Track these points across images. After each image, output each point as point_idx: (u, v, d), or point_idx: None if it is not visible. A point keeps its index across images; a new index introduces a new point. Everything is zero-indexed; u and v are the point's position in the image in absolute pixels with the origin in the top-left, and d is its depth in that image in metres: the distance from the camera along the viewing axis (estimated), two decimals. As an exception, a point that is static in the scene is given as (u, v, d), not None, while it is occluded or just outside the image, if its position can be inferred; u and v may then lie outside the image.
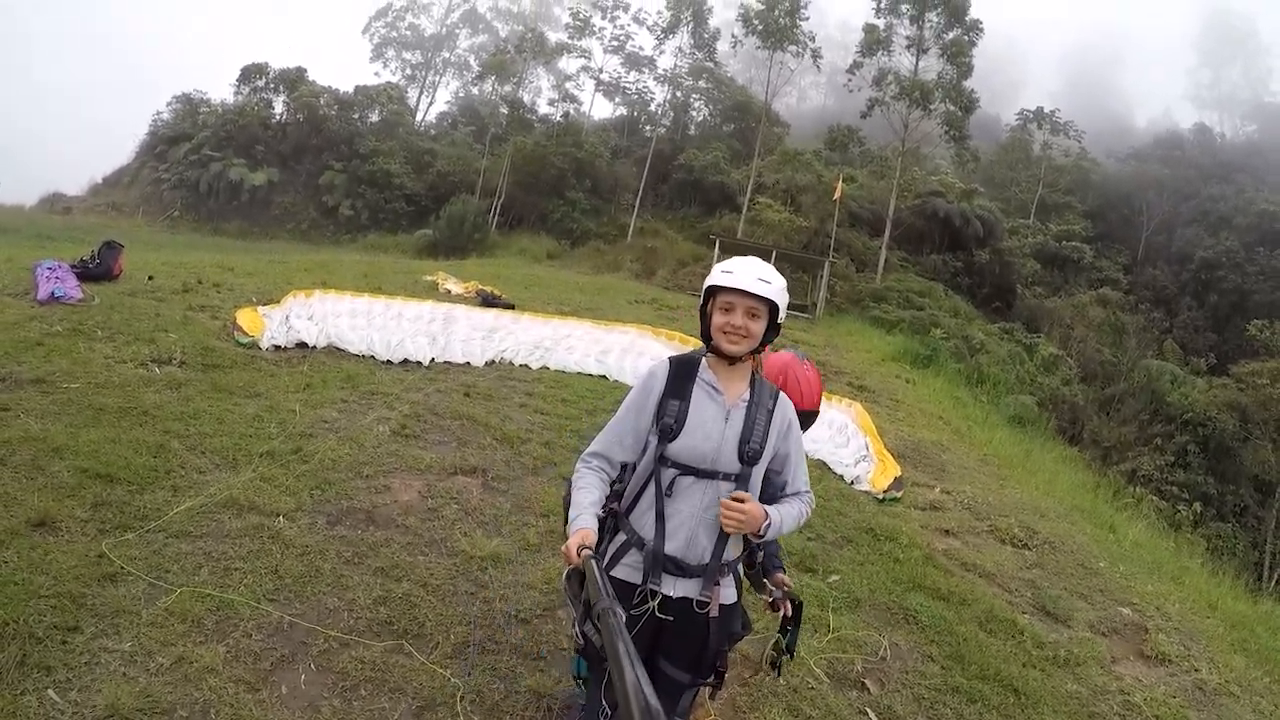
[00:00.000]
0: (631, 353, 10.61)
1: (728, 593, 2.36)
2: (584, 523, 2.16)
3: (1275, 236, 42.55)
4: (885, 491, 7.33)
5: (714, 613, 2.29)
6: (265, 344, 7.83)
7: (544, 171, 37.42)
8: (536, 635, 3.74)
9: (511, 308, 13.28)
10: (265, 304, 9.44)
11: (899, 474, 7.85)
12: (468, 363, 8.98)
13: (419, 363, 8.51)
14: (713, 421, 2.31)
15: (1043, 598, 5.51)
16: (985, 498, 7.74)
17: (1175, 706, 4.34)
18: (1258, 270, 41.09)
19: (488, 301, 13.62)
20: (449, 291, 14.77)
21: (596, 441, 2.42)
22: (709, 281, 2.34)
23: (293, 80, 43.26)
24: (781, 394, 2.45)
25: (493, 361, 9.30)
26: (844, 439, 8.89)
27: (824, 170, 35.07)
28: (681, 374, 2.37)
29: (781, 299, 2.30)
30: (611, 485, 2.38)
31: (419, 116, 52.48)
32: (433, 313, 10.89)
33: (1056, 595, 5.58)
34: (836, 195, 28.80)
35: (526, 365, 9.46)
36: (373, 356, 8.32)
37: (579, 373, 9.48)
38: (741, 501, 2.21)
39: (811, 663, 3.97)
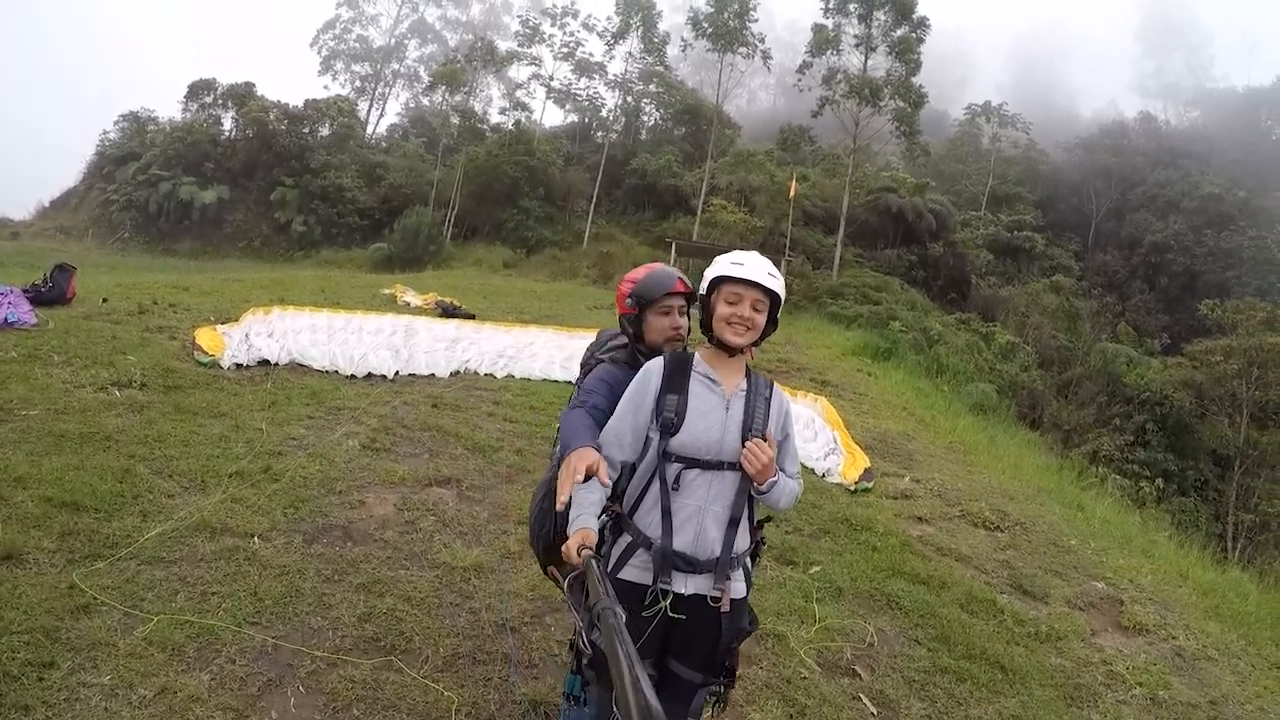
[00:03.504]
0: (596, 357, 10.59)
1: (738, 587, 2.32)
2: (584, 523, 2.12)
3: (1222, 218, 44.06)
4: (856, 483, 7.41)
5: (725, 608, 2.26)
6: (226, 363, 7.70)
7: (497, 181, 37.23)
8: (527, 643, 3.71)
9: (472, 318, 13.22)
10: (224, 323, 9.29)
11: (868, 465, 7.94)
12: (432, 374, 8.92)
13: (383, 376, 8.45)
14: (714, 411, 2.30)
15: (1019, 577, 5.62)
16: (954, 484, 7.87)
17: (1157, 673, 4.46)
18: (1206, 251, 42.50)
19: (448, 312, 13.54)
20: (408, 304, 14.67)
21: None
22: (716, 272, 2.33)
23: (241, 96, 42.35)
24: (775, 384, 2.46)
25: (457, 372, 9.27)
26: (812, 433, 8.96)
27: (777, 170, 35.39)
28: (677, 368, 2.36)
29: (783, 293, 2.33)
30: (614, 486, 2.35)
31: (370, 129, 51.83)
32: (393, 325, 10.81)
33: (1032, 574, 5.70)
34: (791, 194, 29.05)
35: (491, 375, 9.42)
36: (336, 371, 8.25)
37: (544, 380, 9.45)
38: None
39: (802, 653, 3.99)
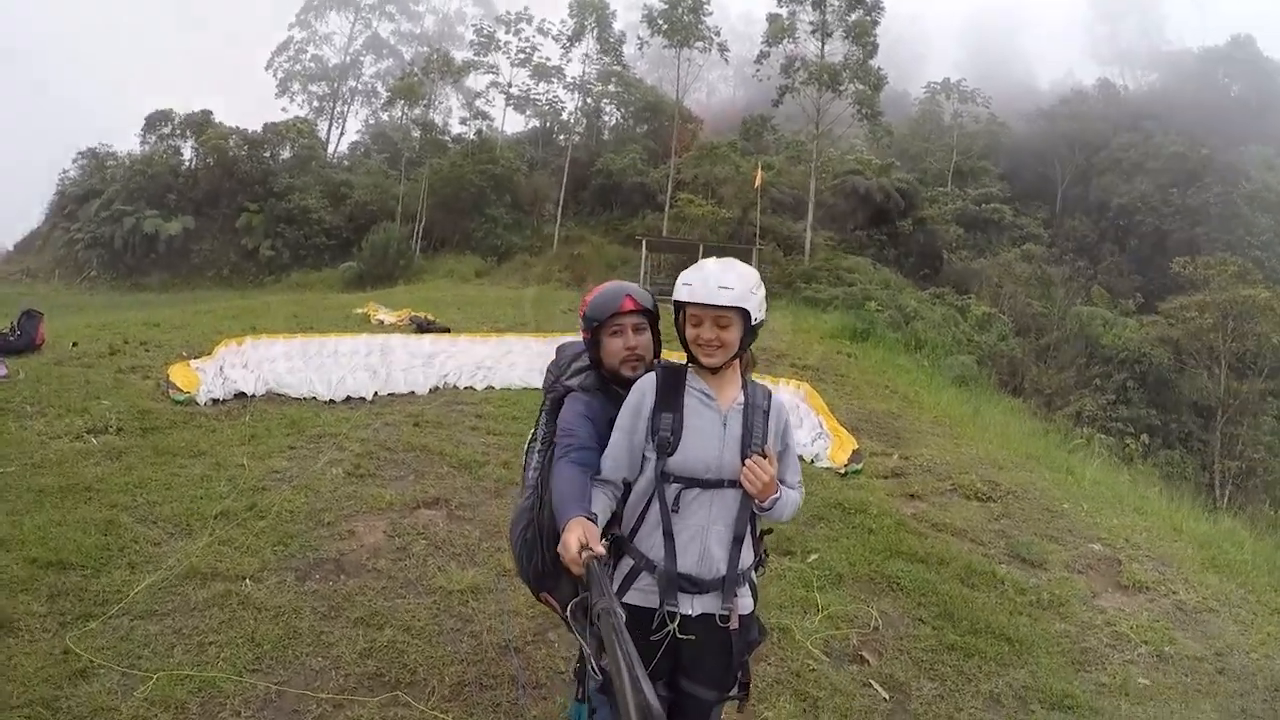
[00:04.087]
0: (576, 360, 10.55)
1: (745, 602, 2.28)
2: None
3: (1187, 176, 44.27)
4: (846, 465, 7.42)
5: (734, 625, 2.21)
6: (202, 399, 7.57)
7: (462, 191, 37.11)
8: (532, 663, 3.67)
9: (447, 331, 13.16)
10: (197, 357, 9.15)
11: (856, 447, 7.94)
12: (411, 392, 8.83)
13: (362, 398, 8.33)
14: (711, 429, 2.23)
15: (1015, 546, 5.66)
16: (943, 458, 7.90)
17: (1161, 629, 4.51)
18: (1173, 210, 42.80)
19: (422, 327, 13.46)
20: (382, 322, 14.59)
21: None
22: (674, 296, 2.25)
23: (199, 124, 41.81)
24: (774, 393, 2.38)
25: (437, 388, 9.18)
26: (797, 419, 8.94)
27: (741, 161, 35.45)
28: (670, 385, 2.28)
29: (751, 300, 2.19)
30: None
31: (331, 148, 51.39)
32: (369, 345, 10.71)
33: (1028, 541, 5.74)
34: (757, 183, 29.10)
35: (471, 387, 9.34)
36: (314, 398, 8.12)
37: (524, 388, 9.36)
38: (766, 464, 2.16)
39: (808, 644, 3.98)
